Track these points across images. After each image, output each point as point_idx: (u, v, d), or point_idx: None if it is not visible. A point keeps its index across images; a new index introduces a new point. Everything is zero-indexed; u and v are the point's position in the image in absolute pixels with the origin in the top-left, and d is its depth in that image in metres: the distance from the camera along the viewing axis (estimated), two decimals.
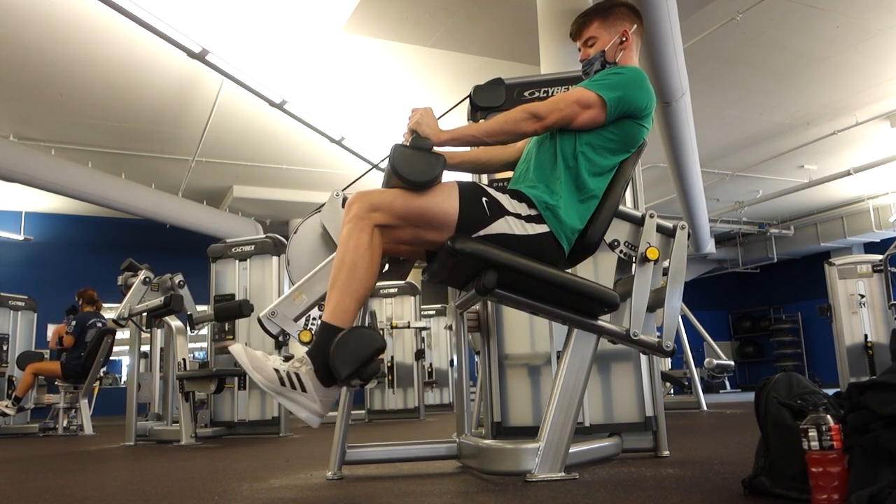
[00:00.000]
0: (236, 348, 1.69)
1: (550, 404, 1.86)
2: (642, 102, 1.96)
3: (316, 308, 1.94)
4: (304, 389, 1.66)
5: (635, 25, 2.08)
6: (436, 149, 1.84)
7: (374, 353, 1.66)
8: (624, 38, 2.05)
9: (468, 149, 2.22)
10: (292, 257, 2.08)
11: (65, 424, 6.08)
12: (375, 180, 2.13)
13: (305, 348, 1.78)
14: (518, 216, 1.87)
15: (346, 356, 1.64)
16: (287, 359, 1.72)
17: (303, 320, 1.93)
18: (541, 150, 2.01)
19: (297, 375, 1.66)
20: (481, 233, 1.82)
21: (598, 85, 1.94)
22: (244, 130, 7.86)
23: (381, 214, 1.77)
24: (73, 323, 6.21)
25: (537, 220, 1.88)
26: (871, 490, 1.12)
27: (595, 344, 1.92)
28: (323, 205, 2.09)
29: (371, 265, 1.76)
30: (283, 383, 1.65)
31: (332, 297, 1.75)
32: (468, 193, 1.85)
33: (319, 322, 1.75)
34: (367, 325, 2.25)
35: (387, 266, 2.22)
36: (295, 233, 2.11)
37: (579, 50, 2.12)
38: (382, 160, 2.41)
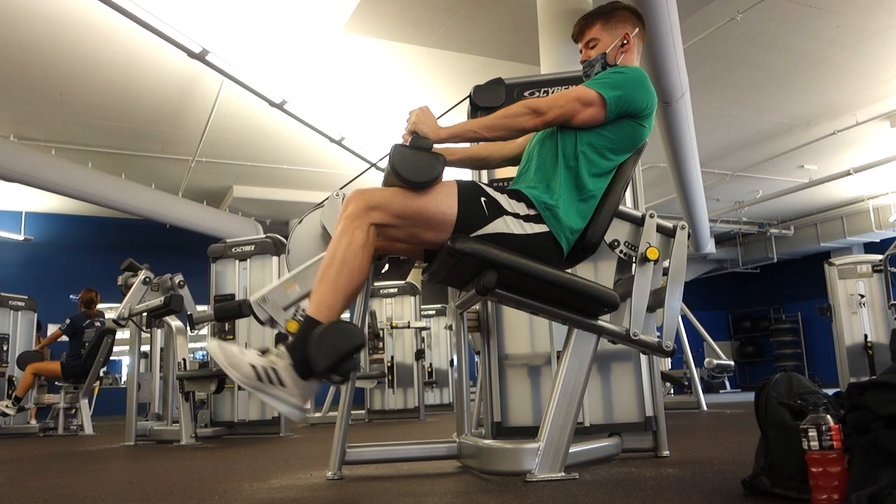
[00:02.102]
0: (212, 346, 1.66)
1: (550, 404, 1.86)
2: (643, 102, 1.96)
3: (306, 300, 1.92)
4: (282, 384, 1.63)
5: (637, 29, 2.09)
6: (435, 146, 1.84)
7: (353, 349, 1.64)
8: (625, 42, 2.06)
9: (467, 145, 2.22)
10: (292, 247, 2.07)
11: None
12: (375, 180, 2.13)
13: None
14: (516, 216, 1.86)
15: (325, 349, 1.62)
16: (263, 352, 1.68)
17: (292, 310, 1.91)
18: (542, 150, 2.01)
19: (275, 370, 1.63)
20: (479, 232, 1.82)
21: (599, 83, 1.94)
22: (244, 130, 7.86)
23: (378, 213, 1.76)
24: (68, 321, 6.24)
25: (536, 219, 1.88)
26: (871, 490, 1.12)
27: (595, 344, 1.92)
28: (326, 199, 2.09)
29: (363, 263, 1.75)
30: (260, 378, 1.63)
31: (318, 291, 1.73)
32: (467, 193, 1.84)
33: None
34: (366, 325, 2.25)
35: (386, 266, 2.23)
36: (299, 222, 2.11)
37: (581, 51, 2.12)
38: (381, 159, 2.42)
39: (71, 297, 6.38)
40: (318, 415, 6.61)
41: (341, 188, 2.13)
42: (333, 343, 1.62)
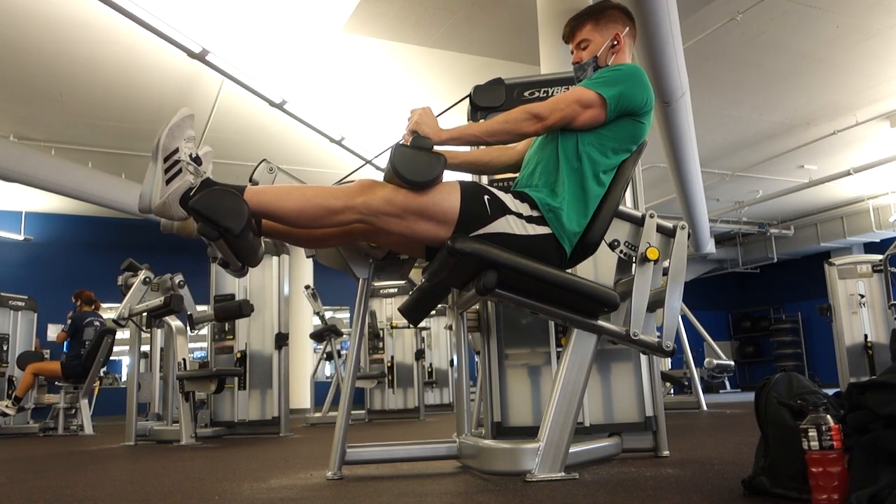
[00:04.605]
0: (184, 110, 1.76)
1: (550, 404, 1.86)
2: (641, 98, 1.96)
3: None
4: (167, 182, 1.72)
5: (627, 28, 2.09)
6: (436, 148, 1.84)
7: (221, 226, 1.69)
8: (616, 42, 2.06)
9: (469, 149, 2.22)
10: None
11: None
12: (369, 177, 2.14)
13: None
14: (520, 216, 1.87)
15: (210, 200, 1.70)
16: (198, 159, 1.76)
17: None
18: (543, 154, 2.01)
19: (179, 172, 1.73)
20: (482, 231, 1.82)
21: (597, 83, 1.95)
22: (244, 130, 7.86)
23: (378, 201, 1.77)
24: (69, 321, 6.24)
25: (539, 221, 1.88)
26: (871, 490, 1.12)
27: (595, 344, 1.92)
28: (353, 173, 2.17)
29: (314, 217, 1.79)
30: (166, 159, 1.71)
31: (269, 188, 1.89)
32: (470, 191, 1.85)
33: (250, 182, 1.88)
34: (366, 324, 2.26)
35: (383, 269, 2.23)
36: None
37: (572, 52, 2.13)
38: (377, 156, 2.42)
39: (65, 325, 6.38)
40: (318, 415, 6.61)
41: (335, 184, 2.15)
42: (220, 206, 1.71)
